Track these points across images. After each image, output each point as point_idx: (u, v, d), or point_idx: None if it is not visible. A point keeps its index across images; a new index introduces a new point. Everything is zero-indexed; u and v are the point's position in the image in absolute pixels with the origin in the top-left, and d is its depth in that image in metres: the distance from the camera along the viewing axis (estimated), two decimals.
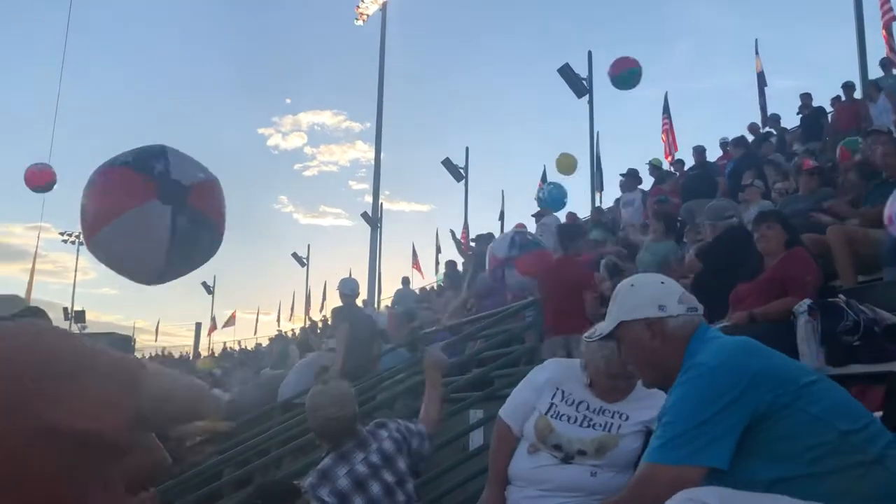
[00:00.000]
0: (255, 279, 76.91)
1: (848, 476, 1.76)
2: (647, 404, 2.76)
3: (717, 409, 1.81)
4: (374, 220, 24.91)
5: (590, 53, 15.64)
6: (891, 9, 12.60)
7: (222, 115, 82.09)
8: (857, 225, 5.41)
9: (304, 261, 31.97)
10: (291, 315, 36.23)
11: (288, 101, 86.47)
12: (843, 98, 11.67)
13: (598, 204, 14.87)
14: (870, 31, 12.47)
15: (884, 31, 12.54)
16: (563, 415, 2.86)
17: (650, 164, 12.24)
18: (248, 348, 29.56)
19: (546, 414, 2.89)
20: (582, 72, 15.47)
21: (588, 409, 2.85)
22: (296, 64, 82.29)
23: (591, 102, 15.52)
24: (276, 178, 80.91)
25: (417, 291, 17.57)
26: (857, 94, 11.56)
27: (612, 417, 2.81)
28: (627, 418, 2.80)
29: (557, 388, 2.95)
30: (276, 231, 73.92)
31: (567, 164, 14.91)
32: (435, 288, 20.85)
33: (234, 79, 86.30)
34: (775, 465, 1.80)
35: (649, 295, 2.16)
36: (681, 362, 2.03)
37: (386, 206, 27.91)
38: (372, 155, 26.84)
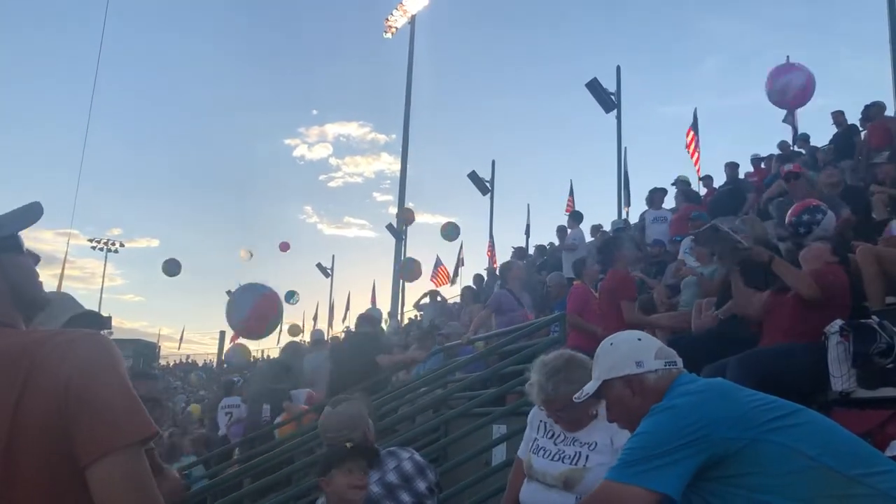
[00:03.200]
0: (278, 289, 77.35)
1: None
2: (616, 427, 2.72)
3: (674, 445, 1.94)
4: (398, 231, 24.97)
5: (618, 68, 15.57)
6: None
7: (250, 126, 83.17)
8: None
9: (329, 271, 32.09)
10: (314, 325, 36.42)
11: (314, 112, 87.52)
12: (869, 119, 11.46)
13: (624, 217, 14.76)
14: None
15: None
16: (541, 449, 2.96)
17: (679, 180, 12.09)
18: (272, 357, 29.68)
19: (530, 450, 3.02)
20: (610, 87, 15.42)
21: (563, 440, 2.91)
22: (323, 75, 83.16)
23: (619, 117, 15.43)
24: (301, 188, 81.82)
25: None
26: (890, 112, 11.34)
27: (582, 447, 2.84)
28: (595, 446, 2.81)
29: (541, 422, 3.06)
30: (301, 241, 74.54)
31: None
32: (458, 301, 20.85)
33: (262, 90, 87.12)
34: (753, 495, 1.90)
35: (626, 353, 2.26)
36: None
37: None
38: (397, 167, 27.04)
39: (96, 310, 2.55)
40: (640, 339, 2.33)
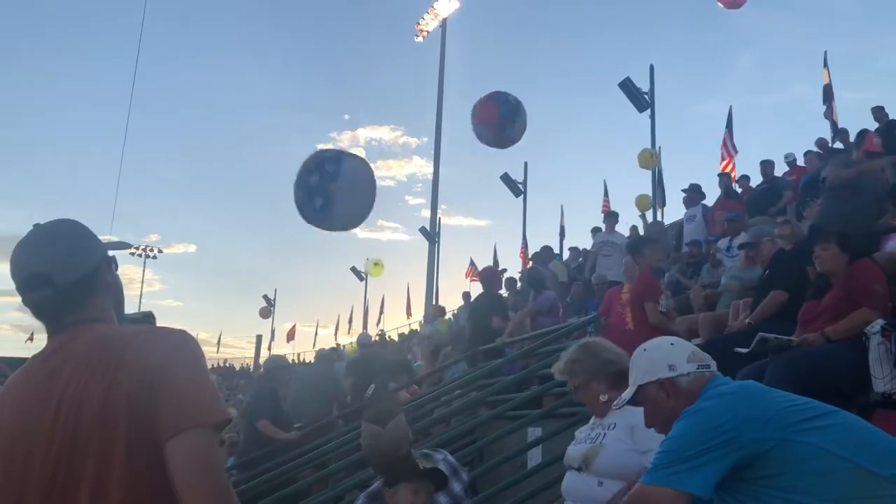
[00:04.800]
0: (314, 293, 78.04)
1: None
2: (633, 410, 2.78)
3: (703, 447, 1.99)
4: (432, 234, 25.01)
5: (651, 67, 15.42)
6: None
7: (283, 131, 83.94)
8: None
9: (363, 275, 32.21)
10: (349, 329, 36.61)
11: (346, 117, 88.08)
12: None
13: (659, 219, 14.61)
14: None
15: None
16: (578, 438, 3.09)
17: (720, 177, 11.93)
18: (308, 361, 29.91)
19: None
20: (643, 86, 15.29)
21: (593, 427, 3.03)
22: (354, 81, 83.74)
23: (652, 117, 15.26)
24: None
25: None
26: None
27: (604, 429, 2.94)
28: (614, 426, 2.90)
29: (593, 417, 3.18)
30: (335, 245, 75.04)
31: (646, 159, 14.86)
32: None
33: (294, 96, 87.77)
34: (788, 495, 1.91)
35: (660, 357, 2.33)
36: None
37: (443, 220, 27.96)
38: (429, 170, 27.09)
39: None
40: (672, 344, 2.39)
